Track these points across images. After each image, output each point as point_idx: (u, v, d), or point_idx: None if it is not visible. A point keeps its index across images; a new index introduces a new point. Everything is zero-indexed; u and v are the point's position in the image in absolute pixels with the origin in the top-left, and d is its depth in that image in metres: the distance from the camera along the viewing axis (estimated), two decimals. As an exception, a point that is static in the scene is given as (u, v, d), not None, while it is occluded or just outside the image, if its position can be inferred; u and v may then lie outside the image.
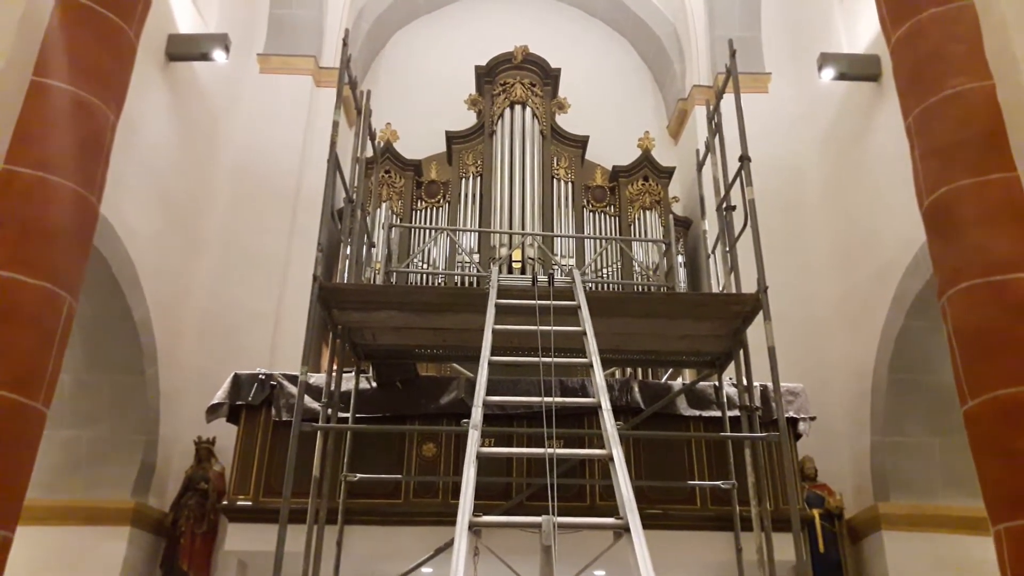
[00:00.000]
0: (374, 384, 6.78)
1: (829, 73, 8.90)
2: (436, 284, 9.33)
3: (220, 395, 6.70)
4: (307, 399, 5.95)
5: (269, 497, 6.20)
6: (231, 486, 6.45)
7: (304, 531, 5.42)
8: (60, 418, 7.02)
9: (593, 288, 9.07)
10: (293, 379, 6.53)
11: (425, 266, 9.63)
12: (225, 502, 6.43)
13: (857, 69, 8.79)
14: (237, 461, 6.48)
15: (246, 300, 8.69)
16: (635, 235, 10.01)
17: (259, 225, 9.20)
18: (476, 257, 9.50)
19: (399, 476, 6.38)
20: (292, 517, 5.09)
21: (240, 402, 6.64)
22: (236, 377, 6.78)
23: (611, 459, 3.23)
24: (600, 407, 3.75)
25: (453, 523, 2.73)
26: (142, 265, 7.44)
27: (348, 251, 7.06)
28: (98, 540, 7.02)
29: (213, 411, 6.72)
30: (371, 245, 8.38)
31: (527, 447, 4.10)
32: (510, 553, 3.37)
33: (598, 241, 9.99)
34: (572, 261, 9.61)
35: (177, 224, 8.37)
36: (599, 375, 4.11)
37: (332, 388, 6.06)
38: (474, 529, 2.82)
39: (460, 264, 9.47)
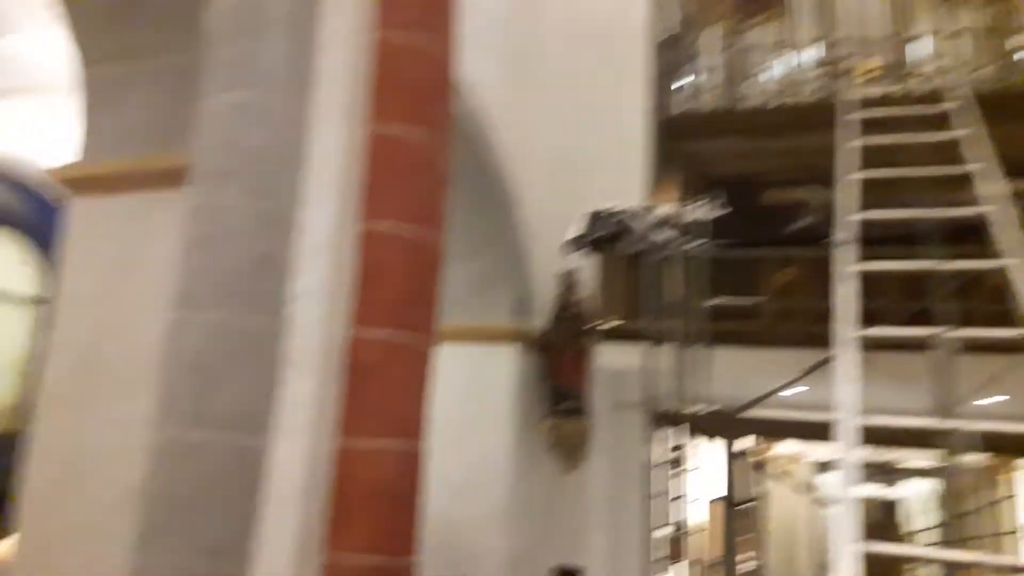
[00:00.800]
0: (722, 212, 6.83)
1: None
2: (778, 106, 8.84)
3: (577, 229, 7.27)
4: (658, 229, 6.22)
5: (632, 320, 6.73)
6: (597, 311, 7.08)
7: (667, 352, 5.83)
8: (451, 253, 8.14)
9: (967, 92, 7.92)
10: (644, 211, 6.83)
11: (765, 87, 9.14)
12: (593, 325, 7.11)
13: None
14: (600, 289, 7.06)
15: (590, 138, 9.05)
16: (1018, 25, 8.41)
17: (592, 63, 9.36)
18: (821, 72, 8.76)
19: (758, 299, 6.48)
20: (655, 338, 5.51)
21: (596, 235, 7.16)
22: (589, 212, 7.27)
23: (1013, 270, 2.99)
24: (993, 218, 3.44)
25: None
26: (492, 115, 8.06)
27: (683, 80, 6.99)
28: (491, 357, 8.25)
29: (571, 245, 7.34)
30: (704, 71, 8.17)
31: (906, 265, 3.82)
32: (892, 379, 3.31)
33: (965, 38, 8.58)
34: (937, 64, 8.44)
35: (516, 73, 8.86)
36: (989, 185, 3.73)
37: (681, 217, 6.25)
38: (857, 344, 2.82)
39: (803, 82, 8.82)
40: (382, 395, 4.23)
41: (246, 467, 3.87)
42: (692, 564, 5.84)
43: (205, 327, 3.95)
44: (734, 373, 6.50)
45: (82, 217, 4.97)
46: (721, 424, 6.14)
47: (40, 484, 4.58)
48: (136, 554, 3.73)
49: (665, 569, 5.76)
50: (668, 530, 5.82)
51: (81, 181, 4.97)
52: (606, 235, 7.09)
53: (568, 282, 8.42)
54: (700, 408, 6.07)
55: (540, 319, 8.48)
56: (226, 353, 3.93)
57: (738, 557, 6.18)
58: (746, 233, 6.69)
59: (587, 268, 7.97)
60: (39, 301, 10.26)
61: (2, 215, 10.22)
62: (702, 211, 6.52)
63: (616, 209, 7.13)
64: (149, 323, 4.38)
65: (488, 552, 7.81)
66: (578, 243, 7.25)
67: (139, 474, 3.89)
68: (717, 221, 6.76)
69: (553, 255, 8.36)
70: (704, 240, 6.42)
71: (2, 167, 9.98)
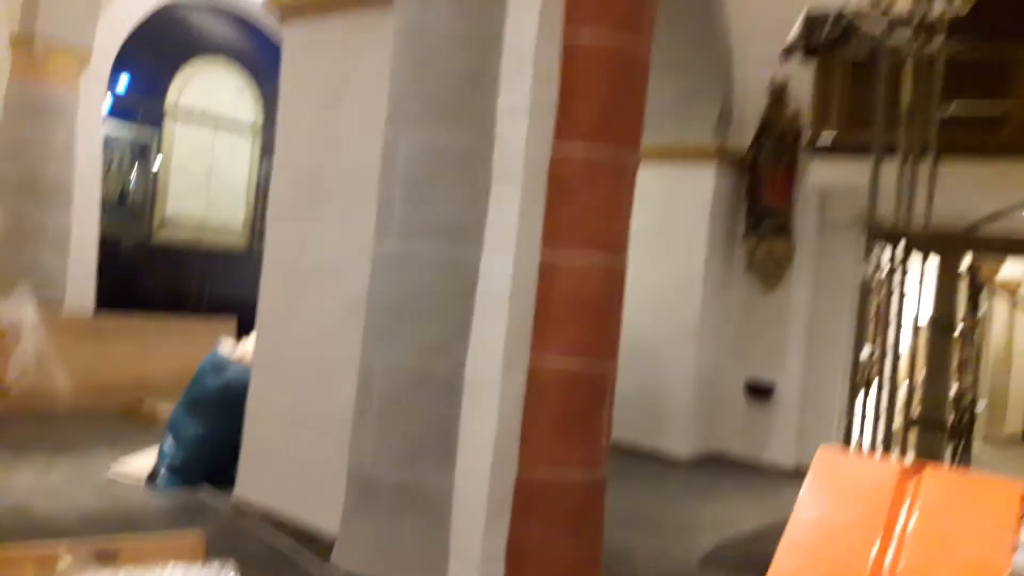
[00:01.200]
0: (968, 5, 5.91)
1: None
2: None
3: (793, 35, 6.61)
4: (891, 30, 5.52)
5: (851, 132, 6.19)
6: (812, 124, 6.56)
7: (889, 166, 5.34)
8: (653, 65, 7.74)
9: None
10: (874, 9, 6.06)
11: None
12: (807, 140, 6.62)
13: None
14: (816, 99, 6.51)
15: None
16: None
17: None
18: None
19: (1003, 102, 5.69)
20: (879, 151, 5.05)
21: (814, 41, 6.48)
22: (808, 16, 6.55)
23: None
24: None
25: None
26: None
27: None
28: (690, 174, 8.01)
29: (787, 52, 6.71)
30: None
31: None
32: None
33: None
34: None
35: None
36: None
37: (919, 15, 5.48)
38: None
39: None
40: (584, 210, 4.26)
41: (458, 275, 4.14)
42: (901, 387, 5.65)
43: (416, 143, 4.13)
44: (968, 187, 5.86)
45: (295, 43, 5.21)
46: (948, 243, 5.66)
47: (273, 293, 5.18)
48: (365, 353, 4.19)
49: (865, 392, 5.62)
50: (873, 352, 5.61)
51: (292, 7, 5.16)
52: (828, 39, 6.39)
53: (778, 95, 7.84)
54: (925, 225, 5.60)
55: (745, 135, 8.04)
56: (437, 168, 4.11)
57: (951, 382, 5.90)
58: (996, 28, 5.77)
59: (800, 79, 7.33)
60: (263, 127, 11.15)
61: (225, 47, 10.98)
62: (944, 6, 5.66)
63: (837, 11, 6.36)
64: (363, 141, 4.63)
65: (679, 365, 8.02)
66: (795, 49, 6.62)
67: (361, 283, 4.28)
68: (960, 17, 5.88)
69: (762, 66, 7.75)
70: (944, 39, 5.61)
71: (221, 3, 10.58)
